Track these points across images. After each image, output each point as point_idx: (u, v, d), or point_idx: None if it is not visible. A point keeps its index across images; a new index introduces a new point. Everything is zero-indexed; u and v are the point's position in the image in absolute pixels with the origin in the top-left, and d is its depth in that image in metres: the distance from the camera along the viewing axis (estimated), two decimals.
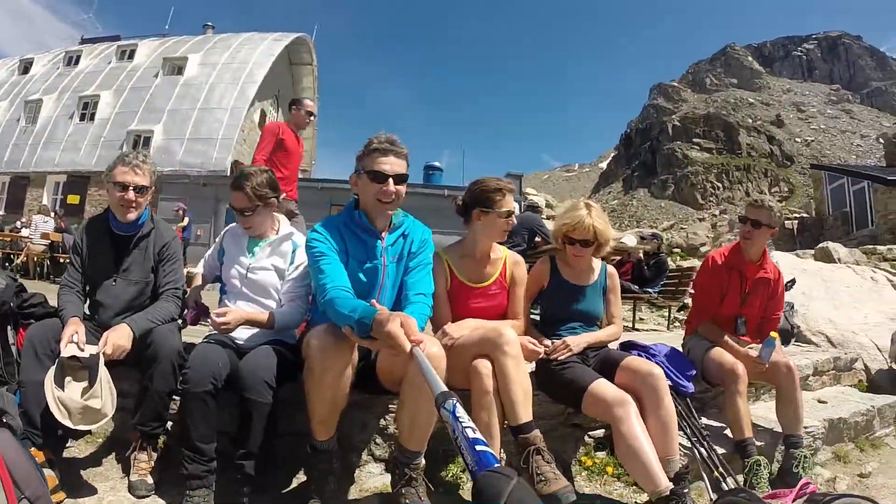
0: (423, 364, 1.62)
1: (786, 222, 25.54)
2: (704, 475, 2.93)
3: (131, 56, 30.56)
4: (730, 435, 3.35)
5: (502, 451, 2.73)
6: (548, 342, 3.02)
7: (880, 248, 14.78)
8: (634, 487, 2.91)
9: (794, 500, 1.33)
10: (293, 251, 2.90)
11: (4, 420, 1.95)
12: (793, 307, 5.47)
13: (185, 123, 26.21)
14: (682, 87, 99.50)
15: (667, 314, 9.71)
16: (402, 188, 2.53)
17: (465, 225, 3.07)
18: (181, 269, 2.97)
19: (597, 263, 3.31)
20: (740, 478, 3.07)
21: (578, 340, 3.06)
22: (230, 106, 26.49)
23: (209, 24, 34.09)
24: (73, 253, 2.89)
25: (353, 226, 2.58)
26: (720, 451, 3.14)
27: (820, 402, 4.33)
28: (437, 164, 24.03)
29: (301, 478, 2.68)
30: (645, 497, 2.72)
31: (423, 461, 2.46)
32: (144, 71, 29.13)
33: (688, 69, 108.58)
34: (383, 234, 2.60)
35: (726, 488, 2.81)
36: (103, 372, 2.37)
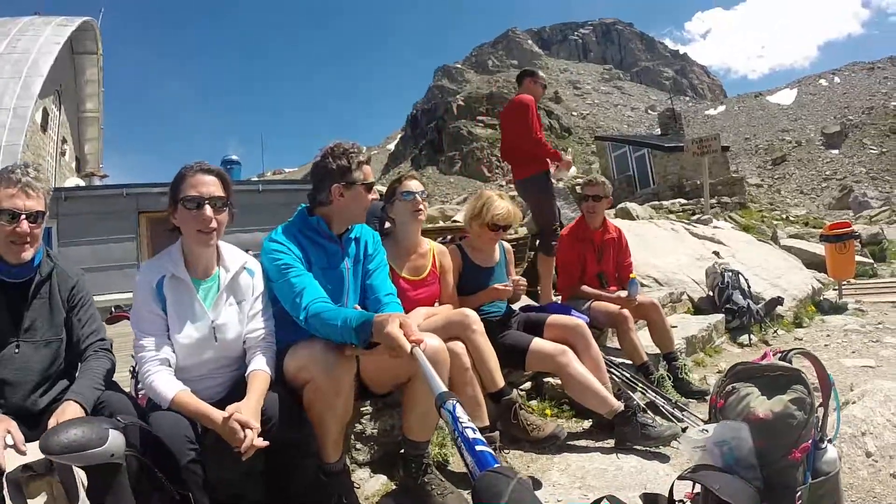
0: (424, 364, 1.62)
1: (576, 188, 28.97)
2: (629, 393, 3.56)
3: None
4: (627, 362, 4.10)
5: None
6: None
7: (665, 202, 18.02)
8: (575, 419, 3.48)
9: (772, 356, 1.98)
10: (252, 282, 2.41)
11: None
12: None
13: None
14: (465, 68, 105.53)
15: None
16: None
17: (393, 225, 3.36)
18: (98, 315, 2.39)
19: (497, 244, 3.79)
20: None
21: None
22: (13, 105, 21.38)
23: None
24: None
25: (310, 233, 2.53)
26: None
27: (672, 326, 5.39)
28: (234, 157, 22.31)
29: None
30: (587, 424, 3.37)
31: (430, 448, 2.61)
32: None
33: (471, 52, 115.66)
34: (340, 238, 2.61)
35: (647, 400, 3.56)
36: (78, 473, 1.82)
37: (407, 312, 3.01)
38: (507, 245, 3.93)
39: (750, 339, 5.70)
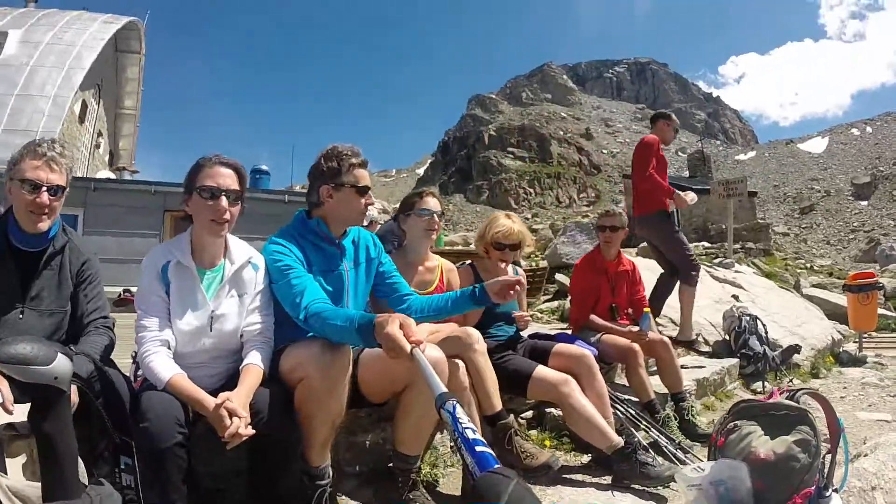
0: (423, 365, 1.61)
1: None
2: (632, 430, 3.44)
3: None
4: (633, 399, 3.98)
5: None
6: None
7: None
8: (573, 453, 3.38)
9: (779, 395, 1.88)
10: (255, 277, 2.43)
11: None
12: None
13: (1, 111, 21.27)
14: (499, 99, 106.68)
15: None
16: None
17: (405, 237, 3.36)
18: (105, 293, 2.45)
19: (509, 268, 3.74)
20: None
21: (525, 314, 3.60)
22: (53, 94, 21.86)
23: None
24: None
25: (310, 235, 2.55)
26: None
27: (683, 367, 5.22)
28: (263, 167, 22.69)
29: None
30: (586, 458, 3.26)
31: (419, 464, 2.55)
32: None
33: (506, 83, 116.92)
34: (338, 240, 2.62)
35: (650, 440, 3.42)
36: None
37: None
38: (520, 271, 3.86)
39: (764, 387, 5.49)
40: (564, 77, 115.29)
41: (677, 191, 5.53)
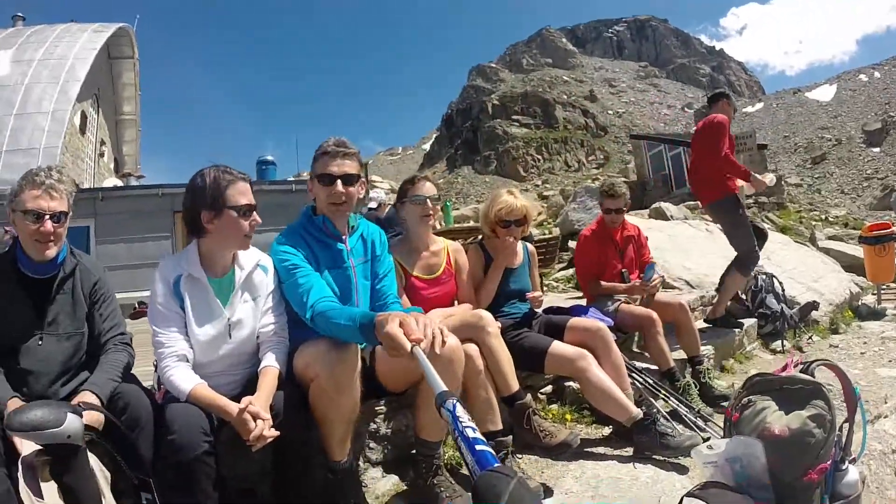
0: (424, 363, 1.61)
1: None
2: (651, 400, 3.45)
3: None
4: (653, 368, 3.98)
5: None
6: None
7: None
8: (595, 426, 3.41)
9: (793, 368, 1.87)
10: (266, 278, 2.46)
11: None
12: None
13: (1, 134, 21.23)
14: (500, 67, 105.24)
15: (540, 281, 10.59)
16: (353, 189, 2.52)
17: (402, 223, 3.36)
18: (119, 310, 2.48)
19: (519, 244, 3.70)
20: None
21: (539, 294, 3.62)
22: (51, 109, 21.83)
23: (19, 14, 28.17)
24: None
25: (315, 232, 2.55)
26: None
27: (700, 330, 5.17)
28: (269, 157, 22.22)
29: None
30: (607, 430, 3.30)
31: (442, 450, 2.59)
32: None
33: (505, 50, 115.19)
34: (344, 237, 2.61)
35: (670, 408, 3.44)
36: (91, 456, 1.92)
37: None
38: (531, 247, 3.86)
39: (783, 346, 5.47)
40: (564, 40, 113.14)
41: (753, 172, 5.29)
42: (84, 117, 25.17)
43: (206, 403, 2.06)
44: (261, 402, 2.05)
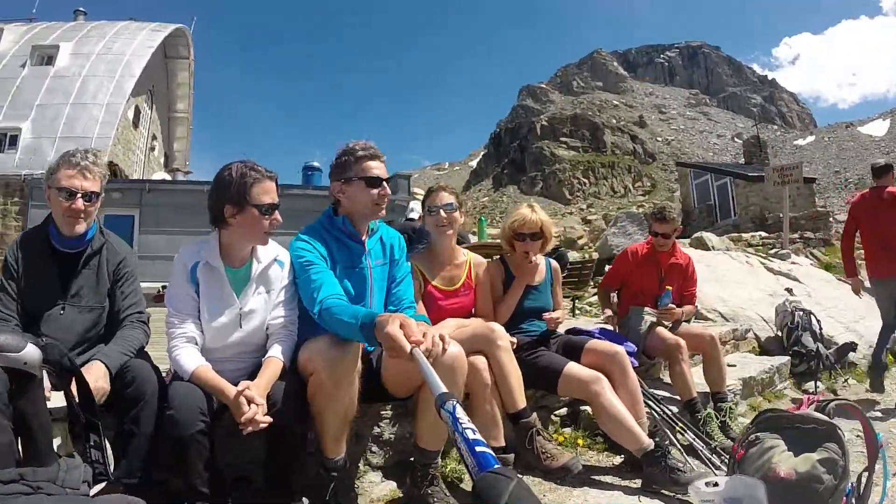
0: (423, 365, 1.60)
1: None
2: (667, 431, 3.31)
3: None
4: (676, 397, 3.86)
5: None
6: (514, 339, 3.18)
7: (745, 235, 17.07)
8: (606, 453, 3.27)
9: (808, 406, 1.73)
10: (281, 273, 2.51)
11: None
12: None
13: (57, 121, 22.96)
14: (550, 88, 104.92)
15: (572, 304, 10.39)
16: (389, 191, 2.58)
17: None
18: (140, 289, 2.58)
19: (542, 261, 3.63)
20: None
21: (557, 315, 3.48)
22: (106, 101, 23.64)
23: (81, 9, 30.16)
24: (6, 277, 2.35)
25: (335, 232, 2.58)
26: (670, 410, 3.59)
27: (730, 365, 4.93)
28: (315, 164, 22.79)
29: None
30: (618, 459, 3.15)
31: (440, 460, 2.53)
32: (10, 60, 25.16)
33: (556, 72, 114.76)
34: (364, 238, 2.63)
35: (687, 442, 3.29)
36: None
37: (436, 321, 3.01)
38: (554, 264, 3.75)
39: (816, 387, 5.18)
40: (615, 64, 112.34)
41: None
42: (138, 112, 26.62)
43: (207, 384, 2.13)
44: (259, 388, 2.09)
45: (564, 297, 9.88)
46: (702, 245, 13.19)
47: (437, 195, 3.18)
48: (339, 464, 2.32)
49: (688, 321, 4.59)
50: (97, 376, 2.07)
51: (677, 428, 3.38)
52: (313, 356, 2.19)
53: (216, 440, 2.12)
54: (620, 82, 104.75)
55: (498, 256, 3.79)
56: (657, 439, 2.91)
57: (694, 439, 3.28)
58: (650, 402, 3.49)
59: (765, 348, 6.05)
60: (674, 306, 4.14)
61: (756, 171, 25.89)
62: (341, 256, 2.55)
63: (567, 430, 3.49)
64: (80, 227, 2.32)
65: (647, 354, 4.16)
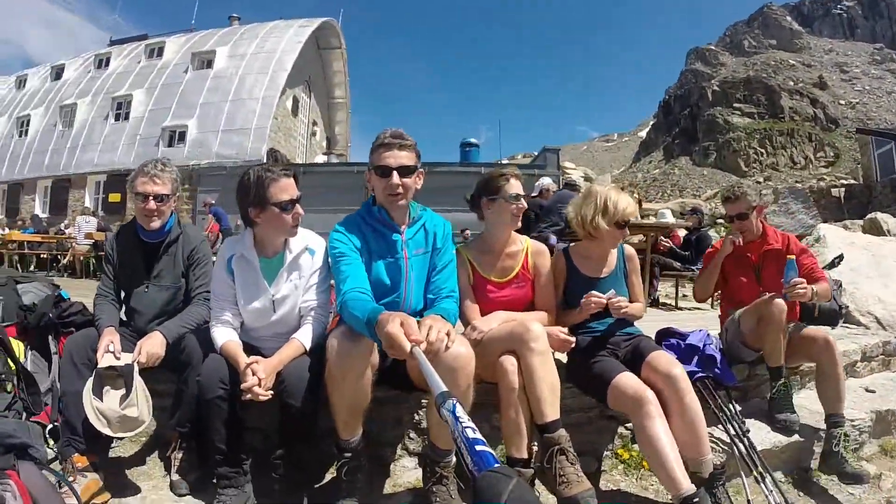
0: (423, 364, 1.58)
1: (832, 190, 24.42)
2: (742, 474, 2.80)
3: (160, 53, 30.74)
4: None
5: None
6: (572, 338, 2.86)
7: None
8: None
9: None
10: (312, 260, 2.71)
11: (30, 452, 2.04)
12: (840, 285, 4.77)
13: (219, 116, 26.33)
14: (719, 50, 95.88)
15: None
16: (410, 180, 2.53)
17: (480, 220, 3.10)
18: (210, 271, 2.93)
19: (613, 250, 3.17)
20: (779, 475, 2.98)
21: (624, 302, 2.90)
22: (261, 95, 26.56)
23: (235, 15, 34.25)
24: (106, 262, 2.95)
25: (372, 221, 2.60)
26: (760, 447, 2.99)
27: (868, 391, 4.10)
28: (473, 140, 23.21)
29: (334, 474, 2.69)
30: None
31: (454, 459, 2.44)
32: (174, 67, 29.27)
33: (725, 31, 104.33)
34: (402, 228, 2.60)
35: (767, 488, 2.71)
36: (138, 381, 2.47)
37: (486, 313, 2.90)
38: (629, 250, 3.21)
39: None
40: (788, 18, 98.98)
41: None
42: (296, 101, 29.57)
43: (230, 356, 2.43)
44: (267, 364, 2.36)
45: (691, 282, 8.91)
46: (875, 228, 11.29)
47: (514, 182, 2.96)
48: (351, 445, 2.40)
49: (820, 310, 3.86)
50: (153, 343, 2.54)
51: (755, 472, 2.79)
52: (329, 344, 2.26)
53: (239, 408, 2.42)
54: (795, 39, 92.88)
55: (562, 247, 3.36)
56: (713, 485, 2.52)
57: (771, 490, 2.68)
58: (730, 433, 2.96)
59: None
60: (803, 281, 3.23)
61: None
62: (377, 246, 2.56)
63: (636, 448, 3.04)
64: (155, 224, 2.80)
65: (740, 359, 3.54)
